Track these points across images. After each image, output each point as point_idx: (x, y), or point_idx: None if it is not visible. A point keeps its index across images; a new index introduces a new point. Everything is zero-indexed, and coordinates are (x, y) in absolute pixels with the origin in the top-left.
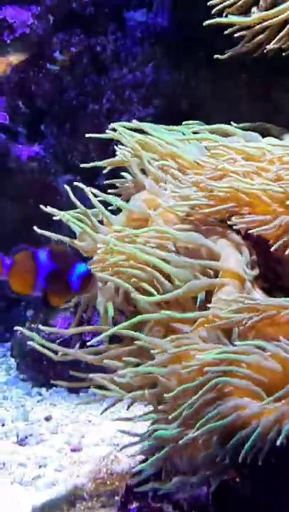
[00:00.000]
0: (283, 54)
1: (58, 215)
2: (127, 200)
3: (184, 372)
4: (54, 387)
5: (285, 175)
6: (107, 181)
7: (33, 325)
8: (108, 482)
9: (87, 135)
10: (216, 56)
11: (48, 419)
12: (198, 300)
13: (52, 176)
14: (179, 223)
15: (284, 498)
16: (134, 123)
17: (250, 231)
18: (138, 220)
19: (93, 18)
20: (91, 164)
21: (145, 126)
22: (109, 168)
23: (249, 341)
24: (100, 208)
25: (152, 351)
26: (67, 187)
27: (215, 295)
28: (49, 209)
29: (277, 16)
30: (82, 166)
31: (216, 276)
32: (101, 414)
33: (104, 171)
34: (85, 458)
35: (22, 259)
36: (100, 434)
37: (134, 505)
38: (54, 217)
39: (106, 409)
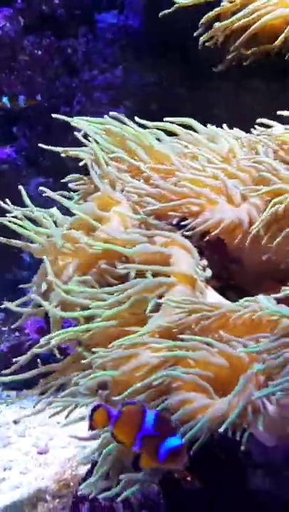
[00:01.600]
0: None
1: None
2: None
3: (135, 372)
4: (24, 390)
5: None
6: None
7: (3, 328)
8: (71, 484)
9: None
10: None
11: (16, 422)
12: (150, 305)
13: (24, 179)
14: (129, 226)
15: (231, 492)
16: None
17: (195, 229)
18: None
19: (64, 20)
20: None
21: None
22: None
23: (197, 337)
24: (50, 211)
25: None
26: (20, 187)
27: (166, 295)
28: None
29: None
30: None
31: None
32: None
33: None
34: (51, 460)
35: (131, 413)
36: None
37: (86, 505)
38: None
39: (67, 416)
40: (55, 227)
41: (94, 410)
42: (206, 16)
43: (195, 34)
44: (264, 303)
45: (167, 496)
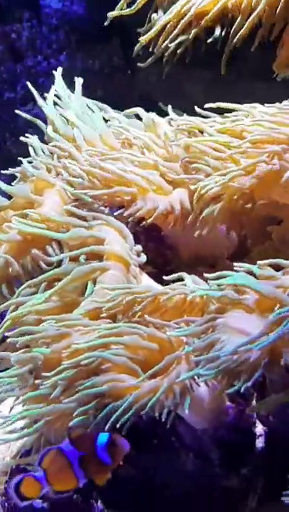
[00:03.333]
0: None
1: None
2: None
3: (66, 351)
4: None
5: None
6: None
7: None
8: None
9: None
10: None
11: None
12: (88, 291)
13: None
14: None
15: (165, 476)
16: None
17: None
18: (22, 205)
19: (8, 5)
20: None
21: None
22: None
23: (125, 324)
24: None
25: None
26: None
27: (98, 279)
28: None
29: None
30: None
31: None
32: None
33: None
34: None
35: (52, 461)
36: None
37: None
38: None
39: None
40: None
41: (18, 483)
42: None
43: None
44: (190, 285)
45: None
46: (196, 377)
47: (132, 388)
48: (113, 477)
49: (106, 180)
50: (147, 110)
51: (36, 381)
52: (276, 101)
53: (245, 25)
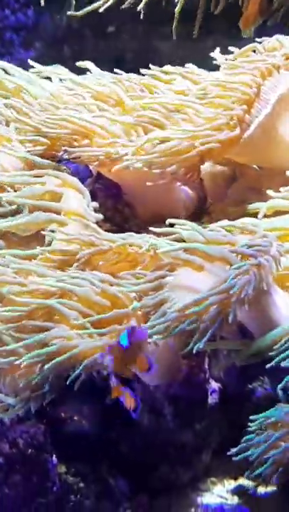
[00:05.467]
0: None
1: None
2: None
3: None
4: None
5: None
6: None
7: None
8: None
9: None
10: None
11: None
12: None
13: None
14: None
15: (121, 432)
16: None
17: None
18: None
19: None
20: None
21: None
22: None
23: (82, 274)
24: None
25: None
26: None
27: (57, 232)
28: None
29: None
30: None
31: None
32: None
33: None
34: None
35: None
36: None
37: None
38: None
39: None
40: None
41: None
42: None
43: None
44: (141, 238)
45: (54, 436)
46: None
47: (82, 350)
48: (68, 432)
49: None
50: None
51: None
52: None
53: None
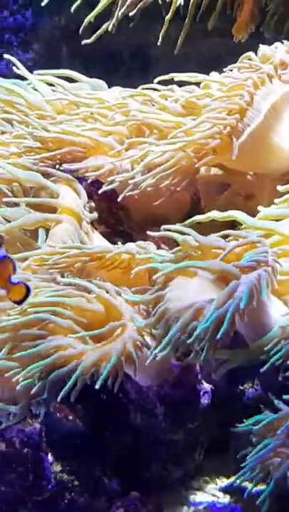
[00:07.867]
0: None
1: None
2: None
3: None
4: None
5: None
6: None
7: None
8: None
9: None
10: None
11: None
12: (40, 239)
13: None
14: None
15: (114, 432)
16: None
17: (87, 174)
18: None
19: None
20: None
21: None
22: None
23: (75, 280)
24: None
25: None
26: None
27: (51, 231)
28: None
29: None
30: None
31: None
32: None
33: None
34: None
35: None
36: None
37: None
38: None
39: None
40: None
41: None
42: None
43: None
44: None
45: (49, 435)
46: (139, 343)
47: (78, 355)
48: (64, 432)
49: (57, 142)
50: (114, 68)
51: None
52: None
53: None
